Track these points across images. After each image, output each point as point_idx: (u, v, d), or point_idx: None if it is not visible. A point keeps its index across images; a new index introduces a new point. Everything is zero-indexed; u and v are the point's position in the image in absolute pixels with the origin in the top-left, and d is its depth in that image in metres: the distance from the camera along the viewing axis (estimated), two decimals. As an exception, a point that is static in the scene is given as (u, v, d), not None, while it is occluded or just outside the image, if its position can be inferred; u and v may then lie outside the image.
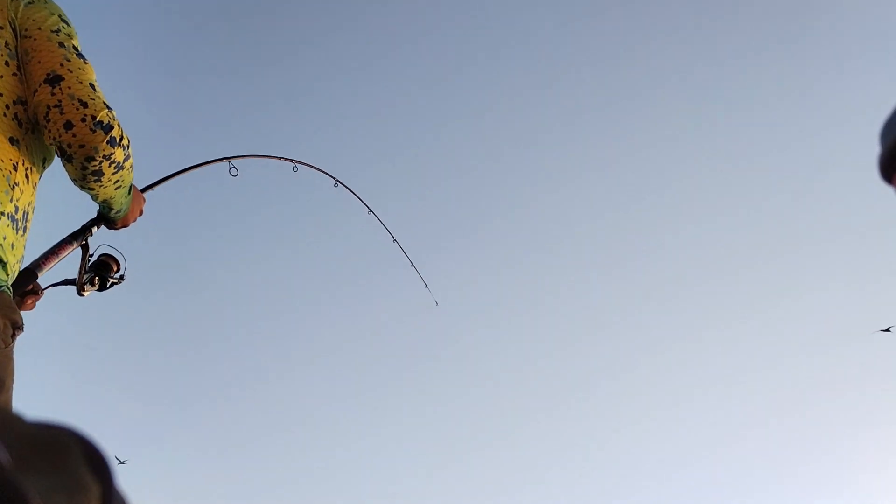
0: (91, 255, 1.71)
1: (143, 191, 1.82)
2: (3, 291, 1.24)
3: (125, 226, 1.70)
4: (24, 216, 1.35)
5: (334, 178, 2.65)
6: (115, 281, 1.76)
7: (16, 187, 1.31)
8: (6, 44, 1.35)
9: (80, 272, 1.70)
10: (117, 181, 1.44)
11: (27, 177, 1.36)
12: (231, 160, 2.15)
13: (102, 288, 1.75)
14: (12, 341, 1.24)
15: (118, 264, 1.77)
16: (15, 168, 1.32)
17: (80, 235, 1.65)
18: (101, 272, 1.74)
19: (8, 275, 1.29)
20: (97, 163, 1.35)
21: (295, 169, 2.40)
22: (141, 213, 1.74)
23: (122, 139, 1.37)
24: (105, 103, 1.35)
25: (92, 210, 1.64)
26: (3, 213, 1.26)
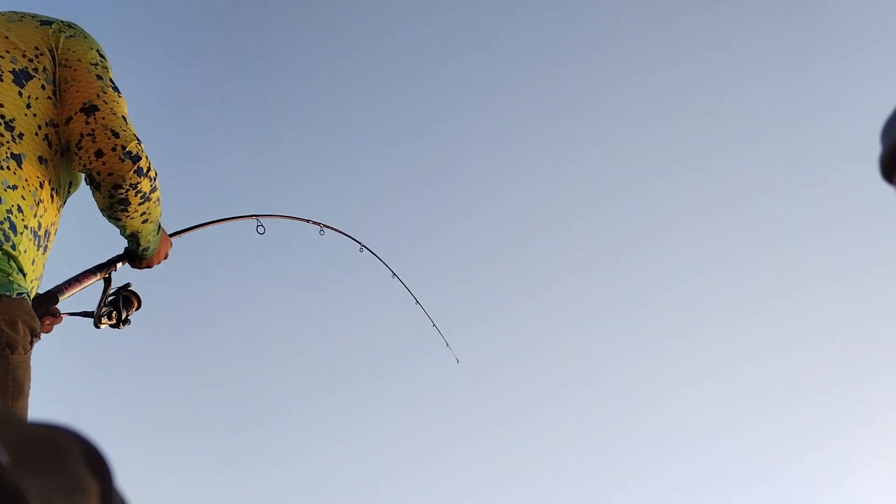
0: (111, 293, 1.72)
1: (170, 235, 1.84)
2: (23, 298, 1.26)
3: (150, 266, 1.73)
4: (45, 234, 1.38)
5: (360, 242, 2.71)
6: (131, 312, 1.76)
7: (40, 204, 1.35)
8: (44, 69, 1.41)
9: (99, 304, 1.71)
10: (144, 213, 1.48)
11: (52, 197, 1.40)
12: (259, 218, 2.19)
13: (118, 324, 1.75)
14: (31, 348, 1.25)
15: (139, 302, 1.78)
16: (41, 186, 1.36)
17: (105, 268, 1.68)
18: (120, 308, 1.74)
19: (27, 286, 1.31)
20: (124, 191, 1.39)
21: (322, 232, 2.46)
22: (166, 257, 1.77)
23: (149, 171, 1.43)
24: (135, 135, 1.41)
25: (120, 247, 1.67)
26: (26, 227, 1.29)
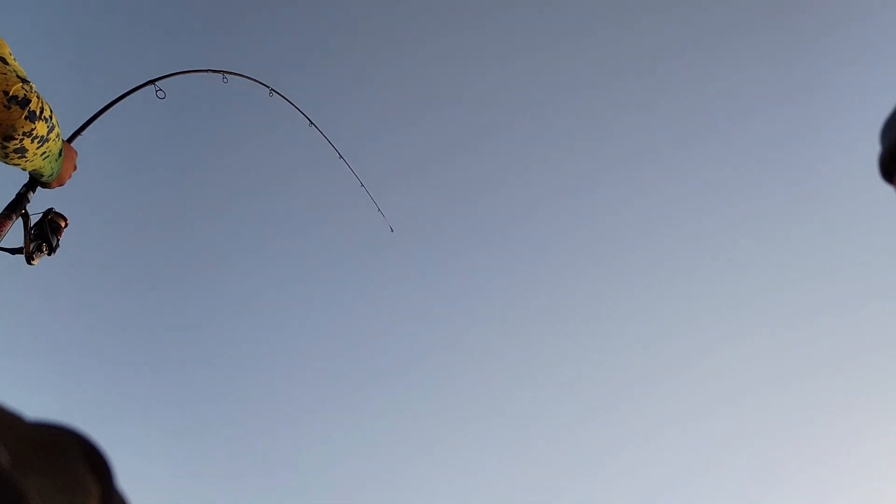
0: (32, 226, 1.63)
1: (70, 140, 1.74)
2: None
3: (61, 184, 1.64)
4: None
5: (268, 86, 2.54)
6: (60, 233, 1.67)
7: None
8: None
9: (25, 241, 1.61)
10: (44, 153, 1.39)
11: None
12: (156, 83, 2.06)
13: (52, 251, 1.66)
14: None
15: (66, 221, 1.68)
16: None
17: (17, 205, 1.59)
18: (48, 236, 1.65)
19: None
20: (17, 140, 1.29)
21: (225, 80, 2.31)
22: (75, 168, 1.67)
23: (42, 111, 1.31)
24: (19, 76, 1.27)
25: (18, 175, 1.56)
26: None
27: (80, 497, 0.38)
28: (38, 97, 1.30)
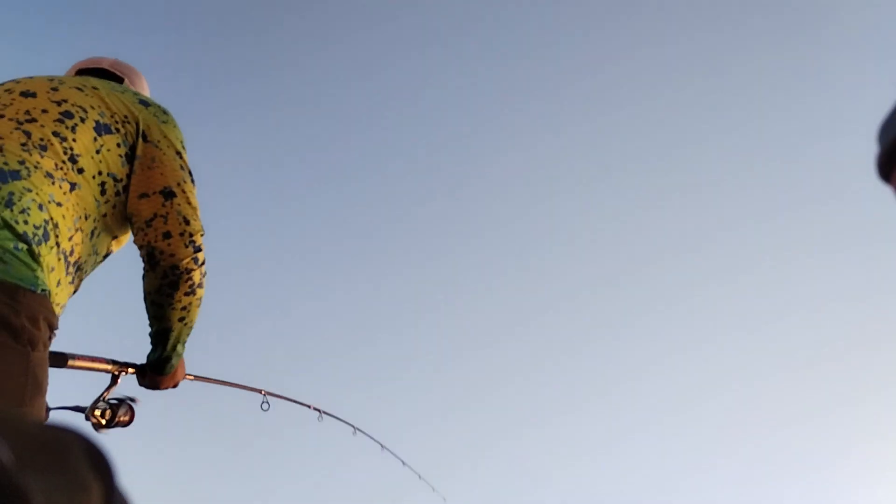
0: (113, 395, 1.67)
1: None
2: (45, 296, 1.22)
3: (156, 387, 1.71)
4: (76, 266, 1.36)
5: (353, 426, 2.83)
6: (121, 423, 1.70)
7: (79, 232, 1.33)
8: (127, 133, 1.47)
9: (98, 398, 1.65)
10: (185, 307, 1.52)
11: (91, 236, 1.39)
12: (266, 395, 2.20)
13: (106, 426, 1.68)
14: (50, 343, 1.24)
15: (132, 417, 1.71)
16: (85, 218, 1.36)
17: (121, 365, 1.65)
18: (114, 410, 1.68)
19: (50, 292, 1.26)
20: (178, 274, 1.46)
21: (320, 418, 2.58)
22: (176, 385, 1.75)
23: (203, 264, 1.50)
24: (202, 228, 1.49)
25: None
26: (58, 244, 1.26)
27: (82, 496, 0.38)
28: (204, 252, 1.50)
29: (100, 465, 0.41)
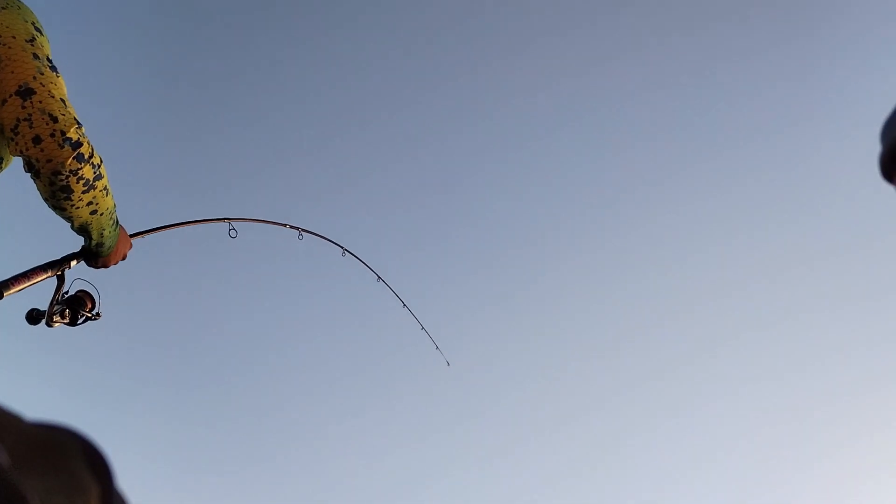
0: (66, 291, 1.64)
1: (132, 236, 1.78)
2: None
3: (105, 266, 1.66)
4: None
5: (342, 246, 2.67)
6: (89, 317, 1.69)
7: None
8: None
9: (51, 302, 1.62)
10: (90, 202, 1.41)
11: None
12: (231, 221, 2.12)
13: (73, 323, 1.68)
14: None
15: (93, 302, 1.70)
16: None
17: (57, 265, 1.59)
18: (74, 306, 1.66)
19: None
20: (64, 178, 1.33)
21: (300, 237, 2.42)
22: (125, 257, 1.71)
23: (91, 157, 1.36)
24: (75, 119, 1.33)
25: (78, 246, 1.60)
26: None
27: (80, 497, 0.38)
28: (88, 142, 1.35)
29: (98, 465, 0.41)
